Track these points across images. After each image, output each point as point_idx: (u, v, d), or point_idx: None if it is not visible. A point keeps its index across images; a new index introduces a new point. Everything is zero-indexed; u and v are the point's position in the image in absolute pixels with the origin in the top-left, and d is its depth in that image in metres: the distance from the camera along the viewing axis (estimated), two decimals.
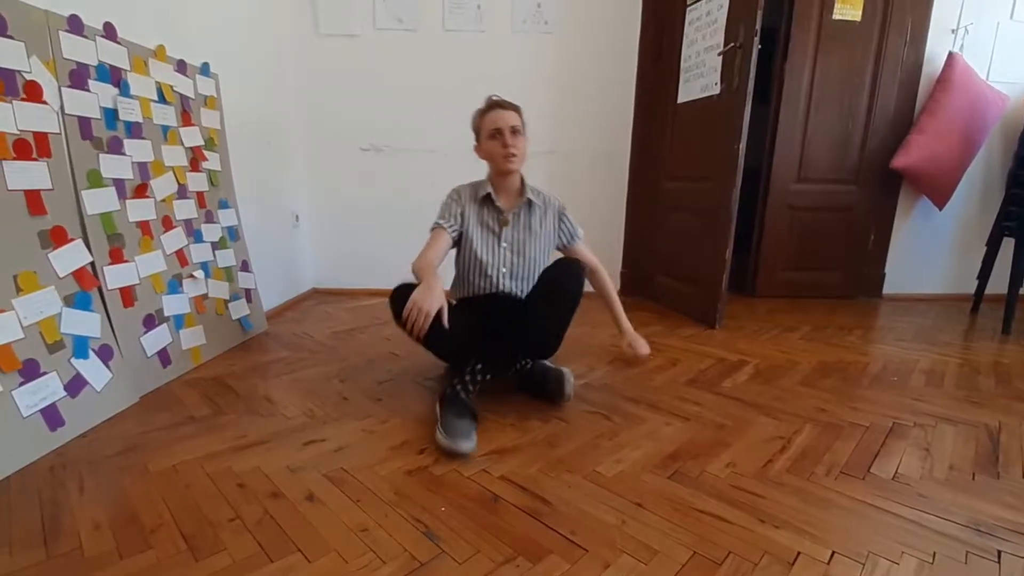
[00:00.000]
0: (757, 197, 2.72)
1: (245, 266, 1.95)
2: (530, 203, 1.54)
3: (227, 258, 1.84)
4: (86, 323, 1.24)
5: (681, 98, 2.39)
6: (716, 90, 2.13)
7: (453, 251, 1.54)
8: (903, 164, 2.55)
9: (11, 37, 1.10)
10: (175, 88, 1.60)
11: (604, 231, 2.75)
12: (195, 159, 1.69)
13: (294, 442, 1.16)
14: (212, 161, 1.78)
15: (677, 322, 2.27)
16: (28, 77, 1.13)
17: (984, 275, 2.51)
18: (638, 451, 1.14)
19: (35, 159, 1.14)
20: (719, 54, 2.07)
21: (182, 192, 1.63)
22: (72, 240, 1.23)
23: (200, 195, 1.72)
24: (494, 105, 1.48)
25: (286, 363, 1.68)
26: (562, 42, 2.52)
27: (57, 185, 1.20)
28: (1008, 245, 2.28)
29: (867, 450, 1.17)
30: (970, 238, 2.79)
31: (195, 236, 1.68)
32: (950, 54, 2.53)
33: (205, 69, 1.76)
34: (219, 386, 1.47)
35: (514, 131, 1.45)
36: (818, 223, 2.70)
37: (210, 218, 1.77)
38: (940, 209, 2.70)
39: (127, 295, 1.38)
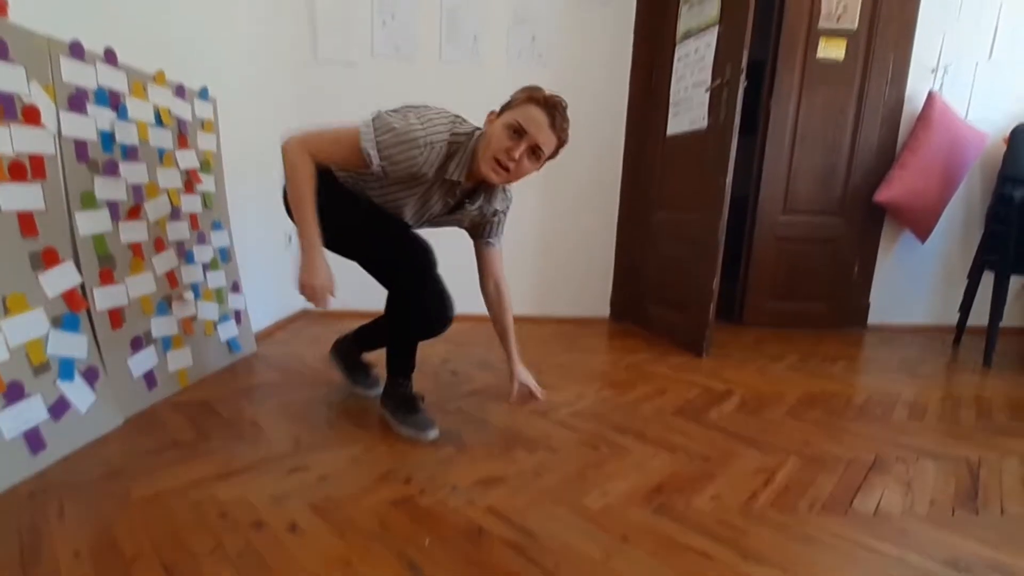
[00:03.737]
0: (745, 226, 2.77)
1: (236, 287, 1.95)
2: (488, 197, 1.34)
3: (218, 279, 1.84)
4: (73, 344, 1.23)
5: (670, 131, 2.45)
6: (704, 124, 2.19)
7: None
8: (886, 198, 2.62)
9: (12, 61, 1.11)
10: (173, 112, 1.62)
11: (595, 258, 2.78)
12: (190, 181, 1.70)
13: (279, 469, 1.15)
14: (207, 183, 1.80)
15: (665, 350, 2.29)
16: (27, 101, 1.15)
17: (966, 307, 2.56)
18: (624, 483, 1.15)
19: (30, 181, 1.15)
20: (707, 90, 2.14)
21: (175, 214, 1.64)
22: (63, 261, 1.23)
23: (193, 216, 1.73)
24: (549, 107, 1.15)
25: (274, 386, 1.67)
26: (555, 74, 2.58)
27: (50, 207, 1.20)
28: (989, 278, 2.34)
29: (850, 484, 1.18)
30: (952, 270, 2.85)
31: (187, 257, 1.69)
32: (930, 93, 2.62)
33: (204, 93, 1.78)
34: (205, 410, 1.46)
35: (534, 151, 1.17)
36: (804, 254, 2.76)
37: (202, 239, 1.77)
38: (923, 242, 2.76)
39: (116, 317, 1.38)
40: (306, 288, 1.20)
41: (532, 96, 1.16)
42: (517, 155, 1.14)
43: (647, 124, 2.59)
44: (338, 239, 1.28)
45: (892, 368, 2.16)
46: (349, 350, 1.66)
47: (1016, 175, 2.38)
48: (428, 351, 2.08)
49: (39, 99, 1.18)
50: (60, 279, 1.22)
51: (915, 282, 2.88)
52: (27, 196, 1.15)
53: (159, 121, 1.57)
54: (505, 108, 1.19)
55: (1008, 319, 2.64)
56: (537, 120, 1.14)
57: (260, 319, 2.25)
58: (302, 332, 2.38)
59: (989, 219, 2.46)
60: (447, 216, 1.38)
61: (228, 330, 1.87)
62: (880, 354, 2.38)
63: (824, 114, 2.64)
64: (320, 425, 1.39)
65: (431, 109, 1.25)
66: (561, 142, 1.20)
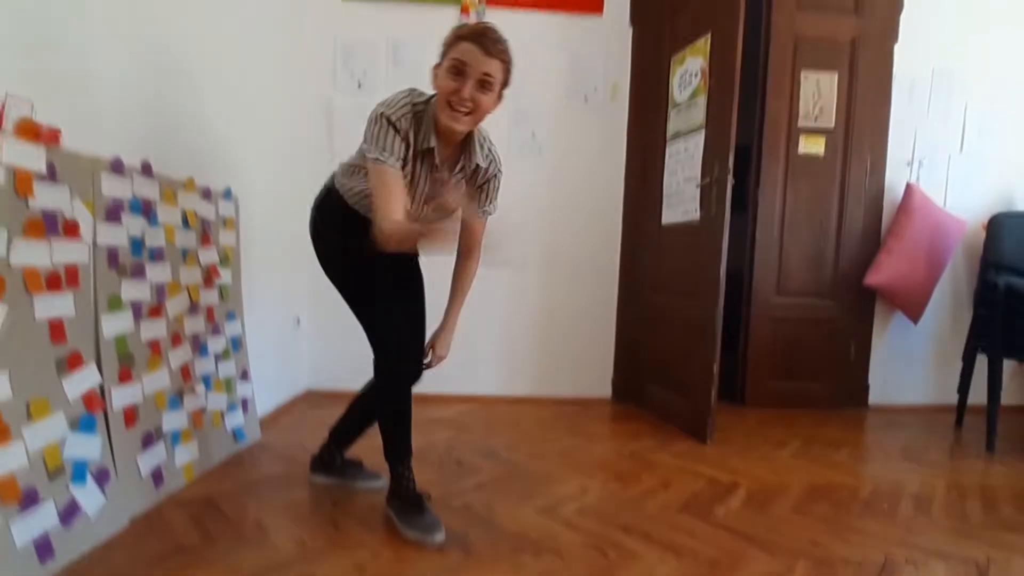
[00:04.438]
0: (740, 305, 2.84)
1: (244, 375, 1.99)
2: (474, 166, 1.32)
3: (228, 369, 1.88)
4: (88, 446, 1.25)
5: (665, 220, 2.57)
6: (696, 216, 2.31)
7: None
8: (876, 282, 2.72)
9: (59, 183, 1.21)
10: (199, 213, 1.73)
11: (595, 338, 2.84)
12: (209, 276, 1.78)
13: None
14: (225, 276, 1.88)
15: (668, 435, 2.29)
16: (69, 216, 1.24)
17: (963, 389, 2.59)
18: None
19: (64, 290, 1.22)
20: (697, 186, 2.28)
21: (193, 308, 1.70)
22: (85, 364, 1.27)
23: (210, 309, 1.79)
24: (478, 37, 1.15)
25: (279, 481, 1.67)
26: (554, 167, 2.75)
27: (79, 312, 1.26)
28: (983, 360, 2.38)
29: None
30: (946, 350, 2.90)
31: (201, 350, 1.73)
32: (908, 185, 2.78)
33: (227, 193, 1.90)
34: (209, 508, 1.45)
35: (483, 83, 1.15)
36: (800, 334, 2.81)
37: (217, 331, 1.83)
38: (915, 323, 2.83)
39: (130, 415, 1.41)
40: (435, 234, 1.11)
41: (458, 34, 1.18)
42: (466, 93, 1.14)
43: (643, 212, 2.73)
44: (339, 273, 1.42)
45: (896, 455, 2.15)
46: (330, 458, 1.64)
47: (998, 262, 2.48)
48: (432, 438, 2.09)
49: (80, 213, 1.27)
50: (81, 381, 1.26)
51: (911, 362, 2.92)
52: (60, 304, 1.21)
53: (186, 224, 1.67)
54: (442, 57, 1.20)
55: (1009, 398, 2.67)
56: (471, 52, 1.14)
57: (265, 401, 2.26)
58: (307, 417, 2.39)
59: (976, 303, 2.54)
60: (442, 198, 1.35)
61: (235, 419, 1.89)
62: (882, 438, 2.38)
63: (809, 203, 2.78)
64: (325, 526, 1.38)
65: (394, 94, 1.26)
66: (504, 63, 1.19)
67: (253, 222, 2.11)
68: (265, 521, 1.40)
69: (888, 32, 2.77)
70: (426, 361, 1.47)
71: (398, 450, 1.43)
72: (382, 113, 1.22)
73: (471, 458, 1.93)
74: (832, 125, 2.76)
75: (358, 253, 1.30)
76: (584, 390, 2.84)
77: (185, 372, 1.65)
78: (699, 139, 2.32)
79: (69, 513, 1.18)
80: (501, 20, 2.66)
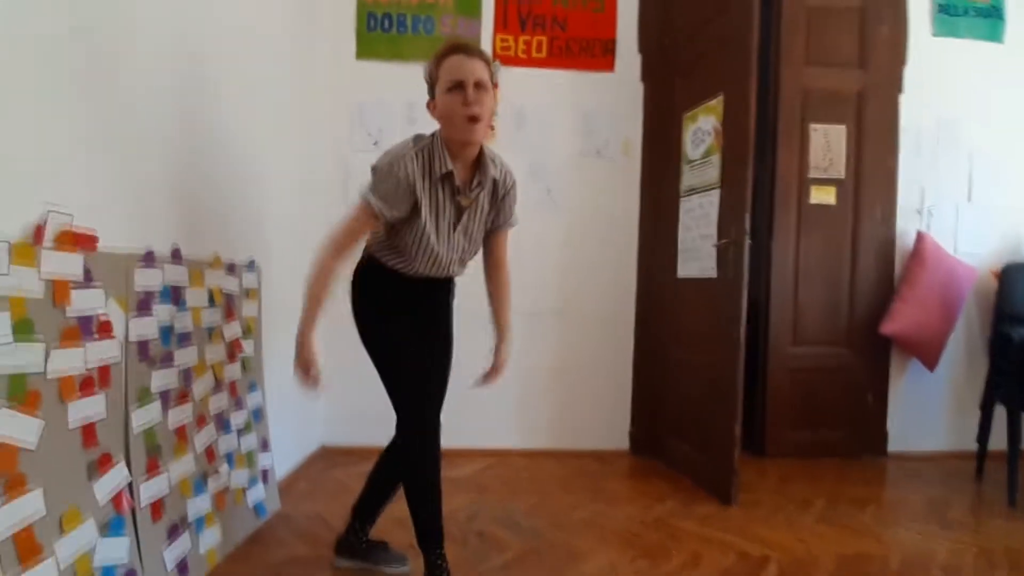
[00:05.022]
0: (758, 351, 2.82)
1: (265, 444, 1.97)
2: (492, 180, 1.36)
3: (250, 442, 1.86)
4: (117, 549, 1.23)
5: (681, 273, 2.58)
6: (713, 274, 2.32)
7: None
8: (891, 331, 2.72)
9: (94, 285, 1.21)
10: (224, 289, 1.73)
11: (611, 390, 2.82)
12: (233, 352, 1.78)
13: None
14: (247, 348, 1.87)
15: (691, 495, 2.26)
16: (103, 317, 1.24)
17: (983, 439, 2.57)
18: None
19: (96, 392, 1.21)
20: (714, 246, 2.29)
21: (217, 386, 1.69)
22: (115, 463, 1.26)
23: (233, 384, 1.78)
24: (455, 49, 1.25)
25: (300, 565, 1.63)
26: (569, 221, 2.78)
27: (111, 412, 1.25)
28: (1002, 408, 2.36)
29: None
30: (964, 397, 2.88)
31: (224, 427, 1.72)
32: (919, 233, 2.80)
33: (251, 265, 1.91)
34: None
35: (479, 85, 1.22)
36: (818, 383, 2.81)
37: (239, 404, 1.82)
38: (931, 370, 2.82)
39: (156, 508, 1.38)
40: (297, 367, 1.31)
41: (437, 57, 1.27)
42: (471, 99, 1.20)
43: (658, 265, 2.74)
44: (374, 341, 1.44)
45: (921, 514, 2.13)
46: (355, 539, 1.61)
47: (1012, 313, 2.49)
48: (451, 503, 2.04)
49: (113, 312, 1.27)
50: (111, 482, 1.24)
51: (929, 409, 2.90)
52: (92, 407, 1.20)
53: (211, 302, 1.66)
54: (433, 85, 1.28)
55: None
56: (457, 64, 1.22)
57: (283, 461, 2.22)
58: (323, 479, 2.35)
59: (992, 354, 2.54)
60: (474, 219, 1.38)
61: (256, 493, 1.86)
62: (906, 494, 2.35)
63: (822, 252, 2.80)
64: None
65: (399, 143, 1.35)
66: (485, 61, 1.26)
67: (271, 284, 2.10)
68: None
69: (893, 84, 2.82)
70: (485, 375, 1.48)
71: (429, 535, 1.41)
72: (387, 162, 1.29)
73: (493, 529, 1.90)
74: (842, 175, 2.80)
75: (396, 318, 1.41)
76: (602, 442, 2.82)
77: (210, 453, 1.63)
78: (714, 197, 2.34)
79: None
80: (516, 78, 2.74)
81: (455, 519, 1.94)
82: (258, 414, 1.94)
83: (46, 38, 1.07)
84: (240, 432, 1.81)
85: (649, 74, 2.78)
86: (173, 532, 1.43)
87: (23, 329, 1.02)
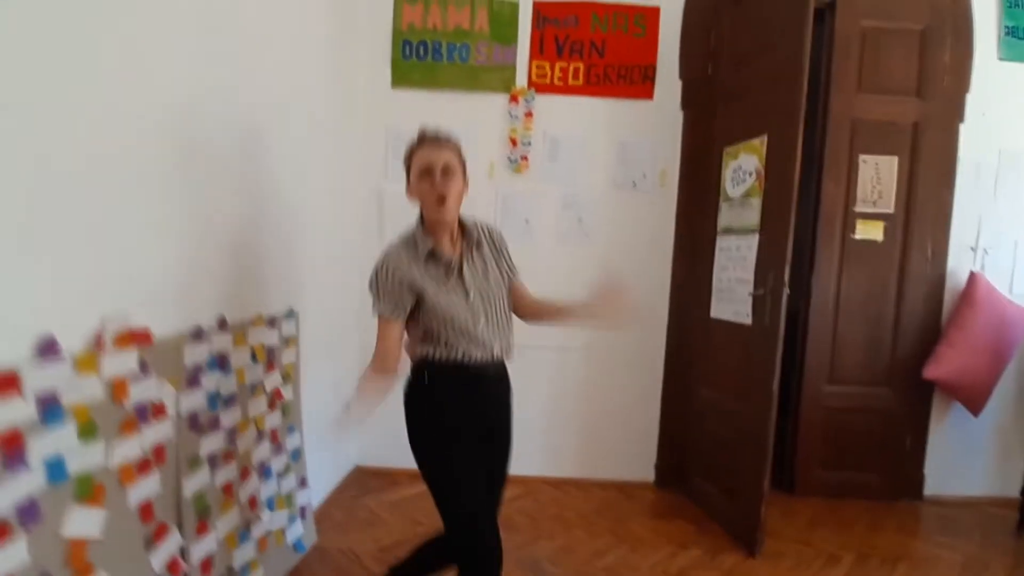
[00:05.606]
0: (790, 387, 2.77)
1: (303, 482, 2.07)
2: (478, 242, 1.43)
3: (289, 483, 1.96)
4: None
5: (714, 314, 2.54)
6: (748, 320, 2.28)
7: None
8: (935, 375, 2.62)
9: (149, 375, 1.28)
10: (265, 344, 1.80)
11: (639, 423, 2.82)
12: (273, 401, 1.86)
13: None
14: (286, 394, 1.95)
15: (715, 541, 2.27)
16: (156, 401, 1.32)
17: None
18: None
19: (151, 472, 1.30)
20: (750, 295, 2.24)
21: (259, 437, 1.78)
22: (170, 532, 1.35)
23: (274, 432, 1.87)
24: (425, 140, 1.37)
25: None
26: (601, 251, 2.74)
27: (165, 486, 1.34)
28: None
29: None
30: (1010, 441, 2.78)
31: (265, 474, 1.81)
32: (972, 273, 2.67)
33: (289, 314, 1.98)
34: None
35: (445, 171, 1.33)
36: (853, 424, 2.74)
37: (279, 449, 1.91)
38: (975, 416, 2.72)
39: (206, 566, 1.49)
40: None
41: (411, 147, 1.39)
42: (439, 182, 1.32)
43: (690, 303, 2.70)
44: (425, 455, 1.41)
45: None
46: None
47: None
48: None
49: (166, 393, 1.35)
50: (166, 550, 1.34)
51: (971, 453, 2.80)
52: (148, 486, 1.29)
53: (254, 359, 1.74)
54: (409, 171, 1.39)
55: None
56: (427, 154, 1.34)
57: (318, 484, 2.32)
58: (356, 507, 2.45)
59: None
60: (479, 277, 1.42)
61: (295, 531, 1.96)
62: (940, 550, 2.30)
63: (865, 289, 2.70)
64: None
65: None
66: (454, 149, 1.38)
67: (305, 316, 2.14)
68: None
69: (953, 112, 2.66)
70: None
71: None
72: (376, 270, 1.37)
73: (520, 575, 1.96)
74: (892, 210, 2.67)
75: (446, 432, 1.38)
76: (627, 474, 2.84)
77: (252, 502, 1.73)
78: (752, 241, 2.28)
79: None
80: (552, 106, 2.71)
81: None
82: (296, 454, 2.03)
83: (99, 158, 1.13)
84: (280, 475, 1.91)
85: (690, 102, 2.69)
86: None
87: (86, 432, 1.10)
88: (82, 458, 1.09)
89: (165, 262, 1.36)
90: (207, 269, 1.53)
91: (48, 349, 1.01)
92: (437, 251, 1.37)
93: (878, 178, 2.67)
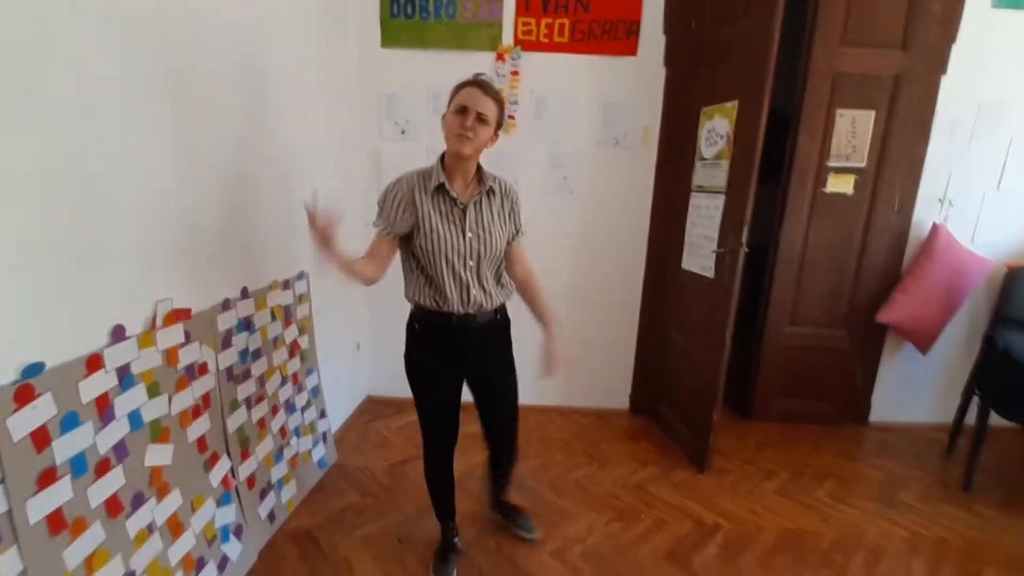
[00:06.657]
0: (755, 325, 3.06)
1: (323, 413, 2.47)
2: (491, 191, 1.54)
3: (311, 414, 2.36)
4: (228, 514, 1.77)
5: (684, 265, 2.78)
6: (710, 275, 2.52)
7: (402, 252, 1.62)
8: (888, 320, 2.87)
9: (192, 341, 1.61)
10: (282, 304, 2.12)
11: (617, 358, 3.16)
12: (293, 350, 2.21)
13: None
14: (303, 343, 2.30)
15: (673, 459, 2.67)
16: (200, 362, 1.66)
17: (958, 421, 2.81)
18: None
19: (202, 415, 1.67)
20: (713, 251, 2.46)
21: (284, 380, 2.15)
22: (220, 458, 1.75)
23: (295, 375, 2.24)
24: (476, 83, 1.45)
25: (355, 512, 2.18)
26: (584, 206, 2.94)
27: (213, 423, 1.72)
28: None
29: None
30: (953, 375, 3.05)
31: (291, 409, 2.21)
32: (934, 225, 2.83)
33: (300, 275, 2.27)
34: (310, 542, 1.98)
35: (480, 118, 1.42)
36: (810, 360, 3.04)
37: (301, 388, 2.29)
38: (924, 354, 2.99)
39: (251, 480, 1.91)
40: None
41: (462, 83, 1.48)
42: (469, 124, 1.41)
43: (664, 256, 2.92)
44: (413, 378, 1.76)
45: (873, 493, 2.45)
46: (497, 503, 2.14)
47: (1008, 316, 2.58)
48: (470, 460, 2.35)
49: (207, 355, 1.69)
50: (219, 471, 1.75)
51: (917, 385, 3.10)
52: (201, 425, 1.66)
53: (274, 318, 2.07)
54: (449, 103, 1.49)
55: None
56: (472, 95, 1.43)
57: (336, 413, 2.75)
58: (368, 431, 2.88)
59: (984, 344, 2.67)
60: (481, 221, 1.53)
61: (318, 452, 2.40)
62: (868, 469, 2.66)
63: (831, 240, 2.88)
64: (394, 566, 1.89)
65: None
66: (498, 103, 1.46)
67: (314, 274, 2.44)
68: (351, 556, 1.92)
69: (936, 64, 2.68)
70: (546, 367, 1.67)
71: (436, 511, 1.91)
72: (385, 189, 1.52)
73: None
74: (863, 164, 2.78)
75: (428, 359, 1.69)
76: (605, 402, 3.22)
77: (283, 432, 2.13)
78: (719, 202, 2.46)
79: (222, 566, 1.71)
80: (536, 63, 2.81)
81: (472, 476, 2.43)
82: (315, 391, 2.42)
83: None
84: (303, 409, 2.30)
85: (673, 59, 2.75)
86: (263, 493, 1.97)
87: (153, 390, 1.45)
88: (152, 410, 1.45)
89: (197, 256, 1.64)
90: (227, 251, 1.82)
91: (119, 335, 1.34)
92: (447, 187, 1.47)
93: (853, 132, 2.76)
